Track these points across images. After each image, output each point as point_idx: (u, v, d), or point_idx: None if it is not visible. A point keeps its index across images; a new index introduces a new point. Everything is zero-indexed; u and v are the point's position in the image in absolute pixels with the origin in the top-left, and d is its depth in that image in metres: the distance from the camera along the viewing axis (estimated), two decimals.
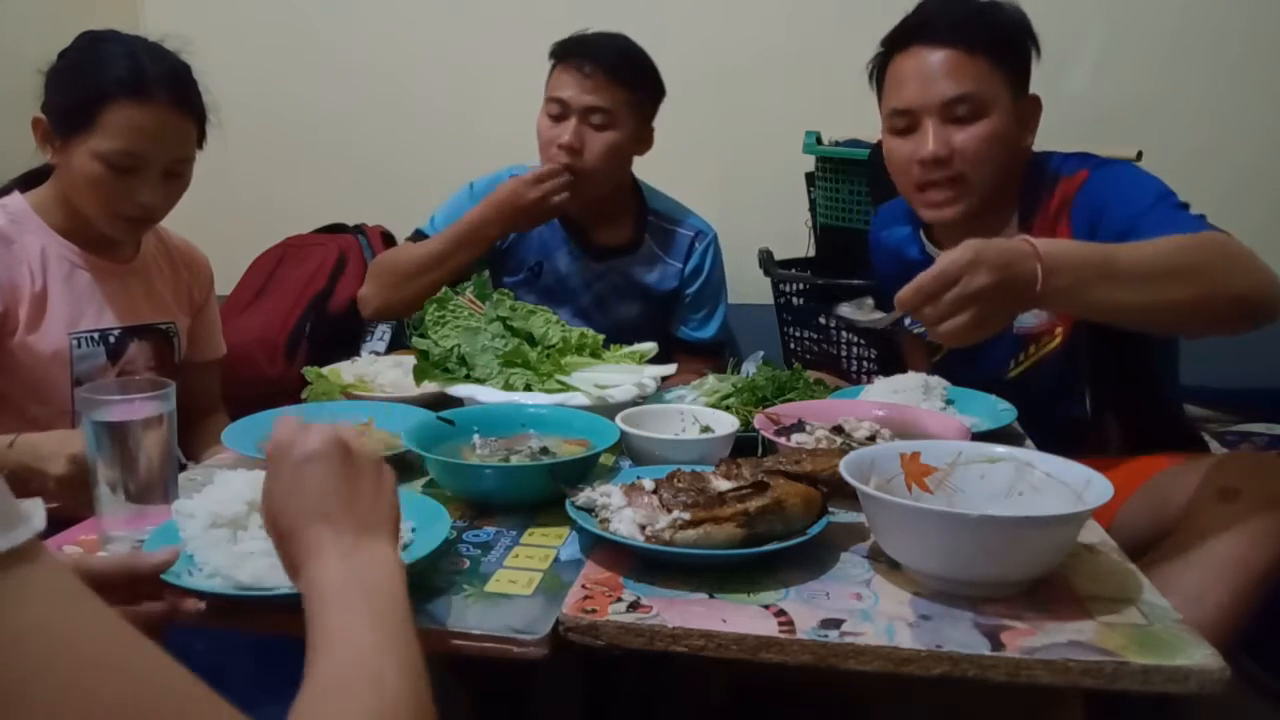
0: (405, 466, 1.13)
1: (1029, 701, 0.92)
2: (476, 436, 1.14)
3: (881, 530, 0.86)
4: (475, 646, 0.76)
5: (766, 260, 2.15)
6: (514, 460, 1.06)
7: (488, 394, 1.26)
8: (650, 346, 1.43)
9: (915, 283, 1.00)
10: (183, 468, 1.13)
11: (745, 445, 1.15)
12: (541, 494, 0.99)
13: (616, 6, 2.49)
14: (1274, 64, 2.28)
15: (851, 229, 2.04)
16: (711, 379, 1.43)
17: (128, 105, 1.33)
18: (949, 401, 1.36)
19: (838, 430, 1.14)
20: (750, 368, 1.57)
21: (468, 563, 0.88)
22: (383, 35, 2.67)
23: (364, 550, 0.64)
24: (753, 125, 2.49)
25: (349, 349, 2.20)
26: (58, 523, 0.98)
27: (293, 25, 2.72)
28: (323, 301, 2.35)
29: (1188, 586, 1.00)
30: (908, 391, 1.34)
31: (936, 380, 1.38)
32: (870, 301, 1.24)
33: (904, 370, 1.45)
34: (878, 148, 1.90)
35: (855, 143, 2.04)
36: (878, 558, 0.89)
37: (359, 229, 2.59)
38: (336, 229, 2.59)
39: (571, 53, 1.72)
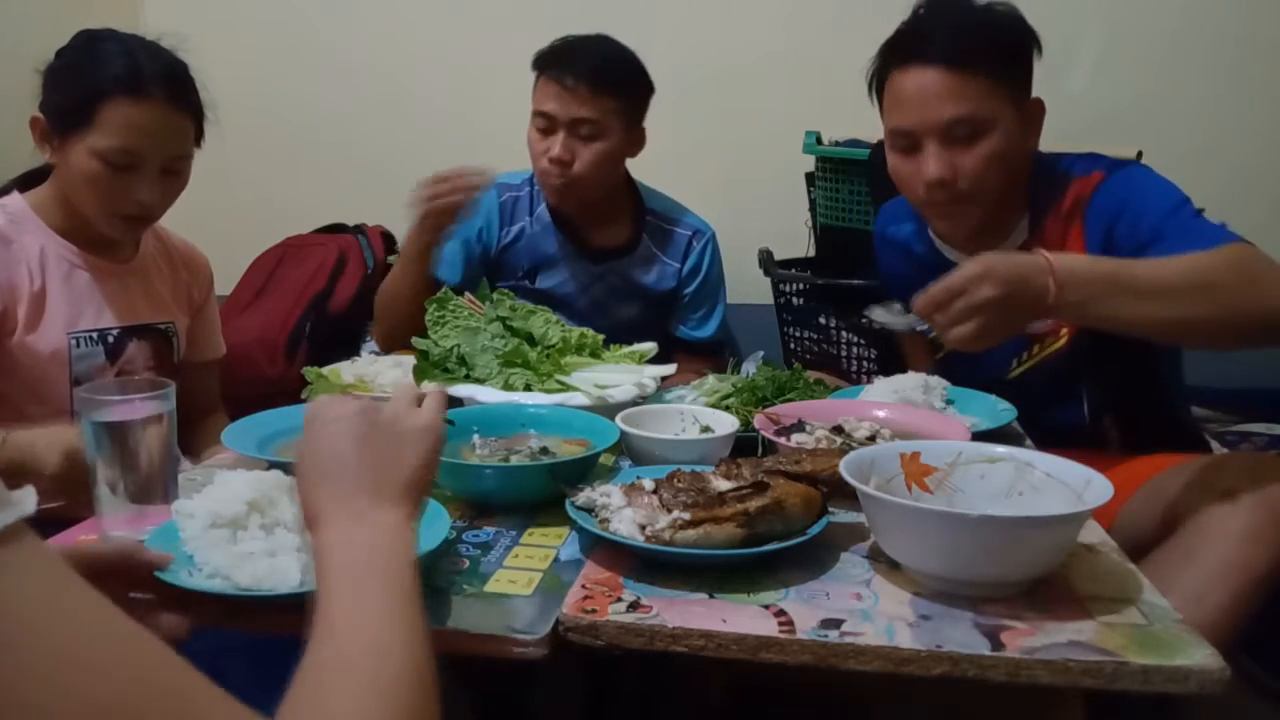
0: None
1: (1029, 701, 0.92)
2: (476, 436, 1.14)
3: (881, 530, 0.86)
4: (475, 646, 0.76)
5: (766, 260, 2.15)
6: (514, 460, 1.06)
7: (488, 394, 1.26)
8: (650, 346, 1.43)
9: (927, 293, 1.08)
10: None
11: (745, 445, 1.15)
12: (541, 494, 0.99)
13: (617, 7, 2.50)
14: (1273, 64, 2.28)
15: (851, 229, 2.04)
16: (711, 379, 1.43)
17: (125, 103, 1.33)
18: (949, 401, 1.36)
19: (838, 430, 1.14)
20: (750, 368, 1.57)
21: (468, 563, 0.88)
22: (383, 35, 2.67)
23: (377, 515, 0.64)
24: (753, 125, 2.49)
25: (349, 349, 2.20)
26: (58, 523, 0.98)
27: (293, 25, 2.72)
28: (323, 301, 2.35)
29: (1188, 587, 1.00)
30: (908, 391, 1.34)
31: (936, 380, 1.38)
32: (899, 305, 1.32)
33: (904, 370, 1.45)
34: (878, 147, 1.90)
35: (855, 143, 2.04)
36: (878, 558, 0.89)
37: (359, 229, 2.59)
38: (336, 229, 2.59)
39: (553, 65, 1.71)
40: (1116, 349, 1.36)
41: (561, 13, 2.30)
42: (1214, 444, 1.72)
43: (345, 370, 1.52)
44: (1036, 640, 0.74)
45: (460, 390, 1.28)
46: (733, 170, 2.51)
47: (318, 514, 0.65)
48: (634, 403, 1.27)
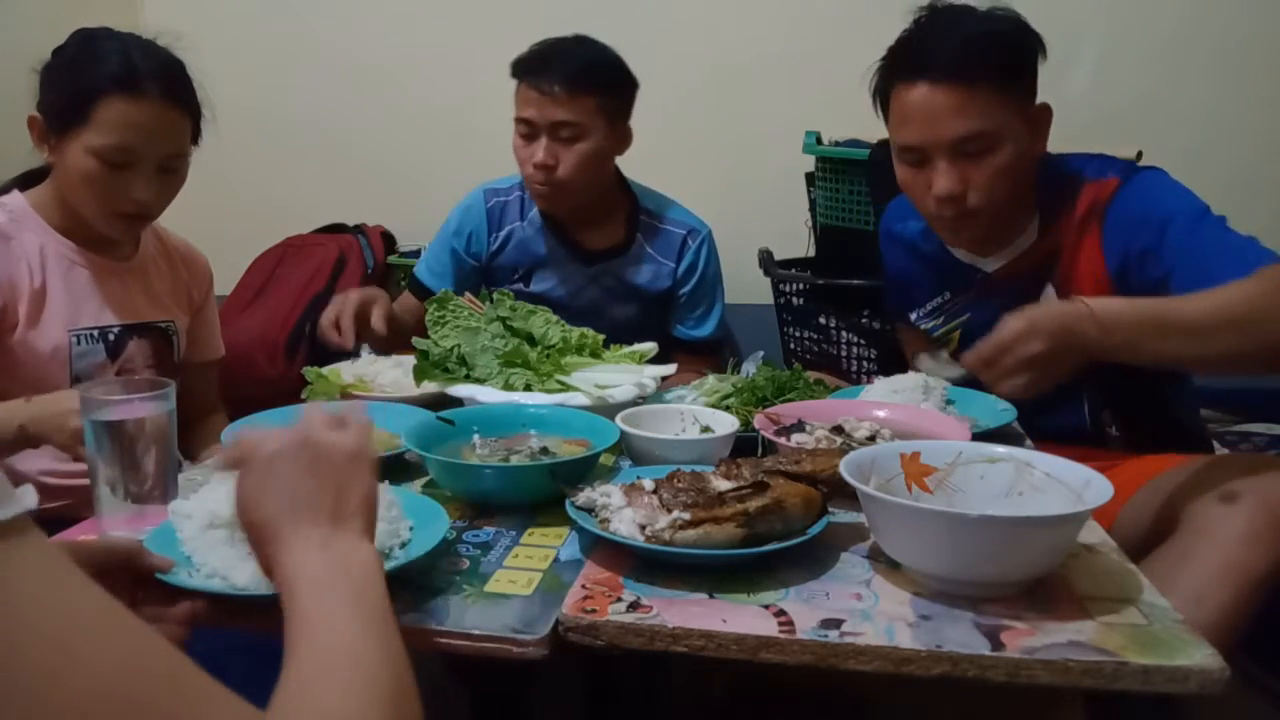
0: (405, 467, 1.13)
1: (1029, 701, 0.92)
2: (476, 436, 1.14)
3: (881, 530, 0.86)
4: (475, 646, 0.76)
5: (766, 260, 2.15)
6: (514, 460, 1.06)
7: (488, 394, 1.26)
8: (650, 346, 1.43)
9: (976, 350, 1.12)
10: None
11: (745, 445, 1.15)
12: (541, 494, 0.99)
13: (617, 8, 2.50)
14: (1273, 64, 2.28)
15: (851, 229, 2.04)
16: (711, 379, 1.43)
17: (120, 100, 1.33)
18: (949, 401, 1.36)
19: (838, 430, 1.14)
20: (750, 368, 1.57)
21: (468, 563, 0.88)
22: (383, 35, 2.67)
23: (339, 541, 0.64)
24: (753, 125, 2.49)
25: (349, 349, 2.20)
26: (58, 523, 0.98)
27: (292, 25, 2.72)
28: (323, 301, 2.35)
29: (1188, 588, 1.00)
30: (908, 391, 1.34)
31: (936, 380, 1.38)
32: (945, 354, 1.39)
33: (904, 370, 1.45)
34: (878, 147, 1.90)
35: (855, 143, 2.04)
36: (878, 558, 0.89)
37: (359, 229, 2.59)
38: (336, 229, 2.60)
39: (530, 70, 1.70)
40: None
41: (561, 13, 2.30)
42: (1215, 444, 1.71)
43: (345, 370, 1.52)
44: (1036, 640, 0.74)
45: (460, 390, 1.28)
46: (733, 170, 2.51)
47: (276, 556, 0.64)
48: (634, 403, 1.27)
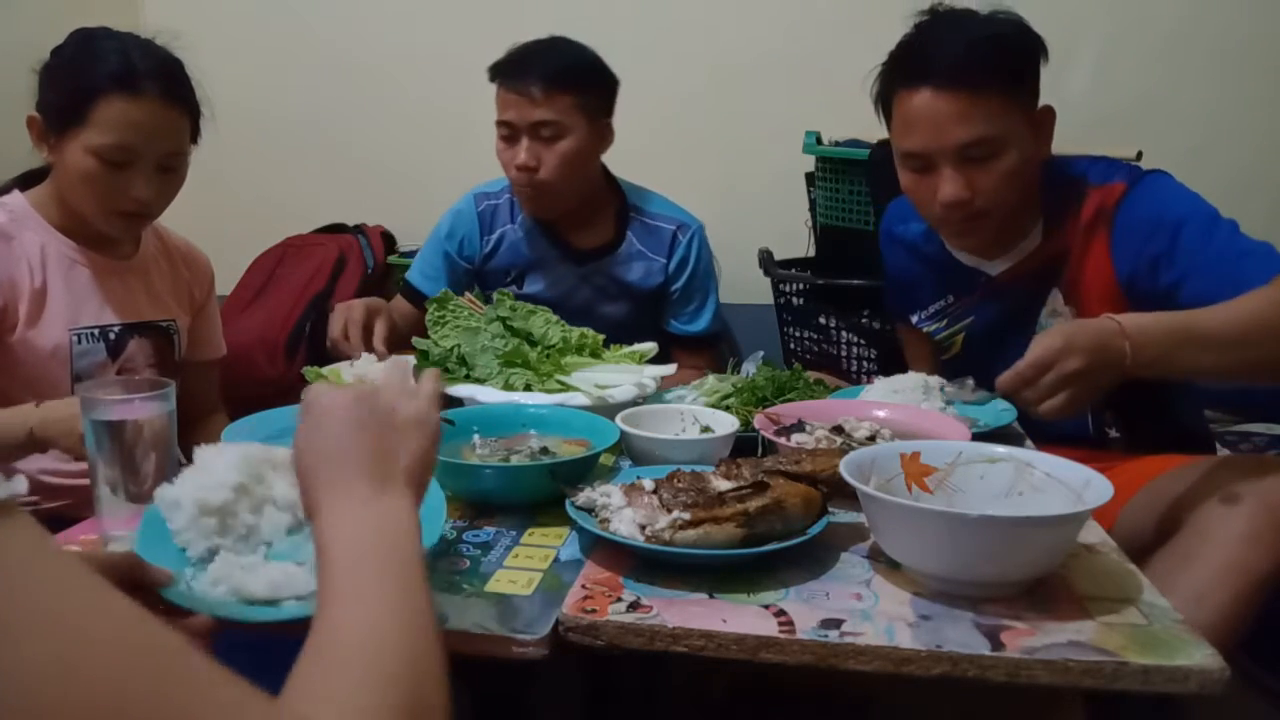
0: None
1: (1029, 701, 0.92)
2: (476, 436, 1.14)
3: (881, 530, 0.86)
4: (475, 647, 0.76)
5: (766, 260, 2.15)
6: (514, 460, 1.06)
7: (488, 394, 1.26)
8: (650, 346, 1.43)
9: (1014, 370, 1.10)
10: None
11: (745, 445, 1.15)
12: (541, 494, 0.99)
13: (617, 9, 2.50)
14: (1274, 64, 2.28)
15: (851, 229, 2.04)
16: (711, 379, 1.43)
17: (118, 99, 1.33)
18: (949, 402, 1.36)
19: (838, 430, 1.14)
20: (750, 368, 1.57)
21: (468, 563, 0.89)
22: (383, 35, 2.67)
23: (379, 502, 0.64)
24: (753, 125, 2.49)
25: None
26: (57, 523, 0.98)
27: (293, 25, 2.72)
28: (323, 301, 2.35)
29: (1188, 588, 1.00)
30: (908, 391, 1.34)
31: (936, 380, 1.38)
32: (970, 381, 1.36)
33: (904, 370, 1.45)
34: (878, 147, 1.90)
35: (855, 143, 2.04)
36: (878, 558, 0.89)
37: (359, 229, 2.59)
38: (336, 229, 2.59)
39: (507, 73, 1.71)
40: None
41: (561, 13, 2.30)
42: (1217, 445, 1.71)
43: (345, 370, 1.51)
44: (1036, 640, 0.74)
45: (460, 390, 1.28)
46: (733, 170, 2.51)
47: (318, 502, 0.64)
48: (634, 403, 1.27)
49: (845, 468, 0.88)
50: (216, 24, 2.64)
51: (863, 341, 2.02)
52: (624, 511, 0.89)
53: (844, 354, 2.04)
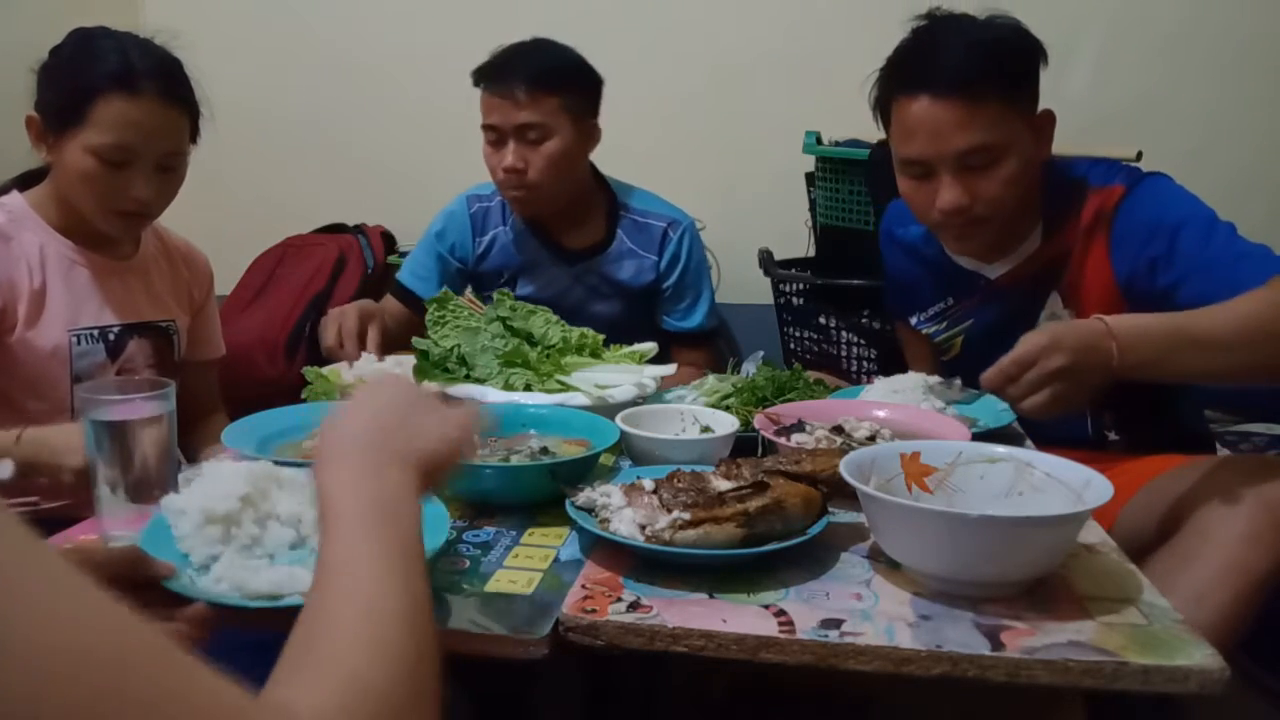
0: None
1: (1029, 701, 0.92)
2: (476, 436, 1.14)
3: (881, 530, 0.86)
4: (475, 646, 0.76)
5: (766, 260, 2.15)
6: (514, 460, 1.06)
7: (488, 394, 1.26)
8: (650, 346, 1.43)
9: (998, 366, 1.10)
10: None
11: (745, 445, 1.15)
12: (541, 494, 1.00)
13: (617, 9, 2.50)
14: (1273, 64, 2.28)
15: (851, 229, 2.04)
16: (711, 379, 1.43)
17: (117, 99, 1.33)
18: (948, 403, 1.36)
19: (838, 430, 1.14)
20: (750, 368, 1.57)
21: (468, 563, 0.88)
22: (383, 35, 2.67)
23: (387, 472, 0.63)
24: (753, 126, 2.49)
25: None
26: (57, 523, 0.98)
27: (293, 25, 2.72)
28: (323, 301, 2.35)
29: (1188, 588, 1.00)
30: (908, 391, 1.34)
31: (936, 380, 1.38)
32: (958, 381, 1.37)
33: (904, 370, 1.44)
34: (878, 147, 1.90)
35: (855, 143, 2.04)
36: (878, 558, 0.89)
37: (359, 229, 2.59)
38: (336, 229, 2.59)
39: (490, 76, 1.71)
40: None
41: (560, 13, 2.31)
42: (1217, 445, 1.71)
43: (345, 370, 1.51)
44: (1036, 640, 0.74)
45: (460, 390, 1.28)
46: (733, 170, 2.51)
47: (329, 455, 0.65)
48: (634, 403, 1.27)
49: (845, 468, 0.88)
50: (216, 24, 2.64)
51: (863, 341, 2.02)
52: (624, 511, 0.89)
53: (844, 354, 2.04)
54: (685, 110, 2.52)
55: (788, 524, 0.87)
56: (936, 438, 1.08)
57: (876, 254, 1.69)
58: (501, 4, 2.50)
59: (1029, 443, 1.26)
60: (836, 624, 0.77)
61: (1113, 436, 1.45)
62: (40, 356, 1.40)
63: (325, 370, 1.46)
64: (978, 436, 1.15)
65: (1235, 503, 1.06)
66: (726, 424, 1.17)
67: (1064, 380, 1.07)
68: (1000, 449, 0.96)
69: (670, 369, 1.38)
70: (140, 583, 0.75)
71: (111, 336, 1.48)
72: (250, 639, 0.79)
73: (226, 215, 2.52)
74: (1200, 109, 2.31)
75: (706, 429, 1.19)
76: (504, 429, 1.17)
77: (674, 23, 2.50)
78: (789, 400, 1.32)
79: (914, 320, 1.60)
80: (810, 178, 2.21)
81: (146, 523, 0.90)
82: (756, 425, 1.18)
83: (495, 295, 1.43)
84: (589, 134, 1.78)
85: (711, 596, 0.81)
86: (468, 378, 1.31)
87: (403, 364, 1.50)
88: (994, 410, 1.32)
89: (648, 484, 0.92)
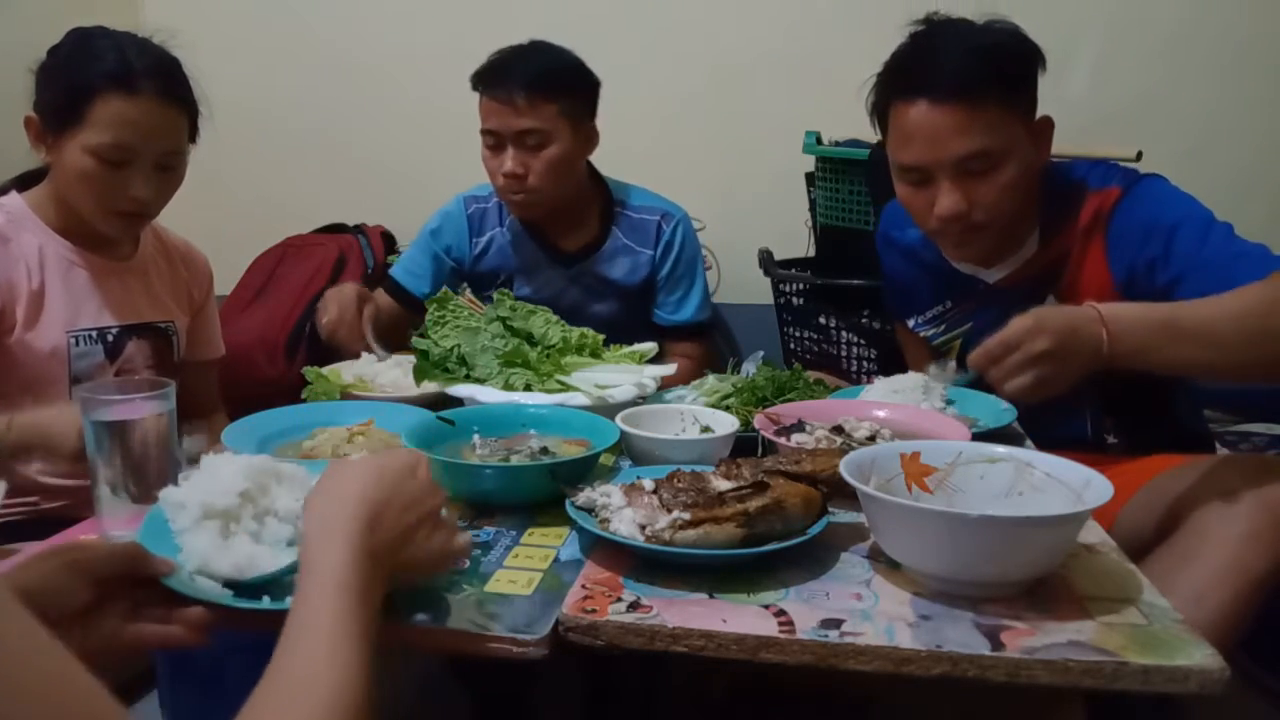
0: None
1: (1029, 701, 0.92)
2: (476, 436, 1.14)
3: (881, 530, 0.86)
4: (475, 646, 0.76)
5: (766, 260, 2.15)
6: (514, 460, 1.06)
7: (488, 394, 1.26)
8: (650, 346, 1.43)
9: (983, 347, 1.11)
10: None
11: (745, 445, 1.15)
12: (541, 494, 0.99)
13: (617, 9, 2.50)
14: (1273, 64, 2.28)
15: (851, 229, 2.04)
16: (711, 379, 1.43)
17: (115, 98, 1.33)
18: (949, 401, 1.36)
19: (838, 430, 1.14)
20: (750, 368, 1.57)
21: (468, 563, 0.88)
22: (383, 35, 2.67)
23: (364, 565, 0.67)
24: (753, 125, 2.49)
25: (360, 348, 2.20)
26: (58, 523, 0.98)
27: (293, 25, 2.72)
28: None
29: (1188, 588, 1.00)
30: (908, 391, 1.34)
31: (936, 381, 1.38)
32: (952, 363, 1.37)
33: (904, 370, 1.44)
34: (877, 147, 1.90)
35: (855, 143, 2.04)
36: (878, 558, 0.89)
37: (359, 229, 2.59)
38: (336, 229, 2.59)
39: (488, 81, 1.71)
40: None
41: (560, 14, 2.31)
42: (1216, 445, 1.71)
43: (345, 370, 1.52)
44: (1036, 640, 0.74)
45: (460, 390, 1.28)
46: (733, 170, 2.51)
47: (328, 519, 0.69)
48: (634, 403, 1.27)
49: (845, 468, 0.88)
50: (216, 24, 2.64)
51: (863, 341, 2.02)
52: (624, 511, 0.89)
53: (844, 354, 2.04)
54: (685, 110, 2.52)
55: (788, 524, 0.87)
56: (936, 438, 1.08)
57: (876, 254, 1.69)
58: (501, 4, 2.50)
59: (1029, 443, 1.26)
60: (836, 624, 0.76)
61: (1111, 439, 1.45)
62: (39, 358, 1.40)
63: (325, 370, 1.46)
64: (978, 436, 1.15)
65: (1234, 502, 1.06)
66: (726, 424, 1.17)
67: (1048, 364, 1.07)
68: (1000, 449, 0.96)
69: (670, 369, 1.38)
70: (139, 579, 0.75)
71: (110, 337, 1.48)
72: (248, 641, 0.79)
73: (226, 215, 2.52)
74: (1200, 109, 2.31)
75: (706, 429, 1.19)
76: (504, 429, 1.17)
77: (674, 23, 2.50)
78: (789, 400, 1.32)
79: (912, 323, 1.60)
80: (810, 178, 2.21)
81: None
82: (756, 425, 1.18)
83: (495, 295, 1.43)
84: (588, 137, 1.78)
85: (711, 596, 0.81)
86: (468, 378, 1.31)
87: (402, 364, 1.50)
88: (994, 410, 1.32)
89: (648, 484, 0.92)
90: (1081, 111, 2.10)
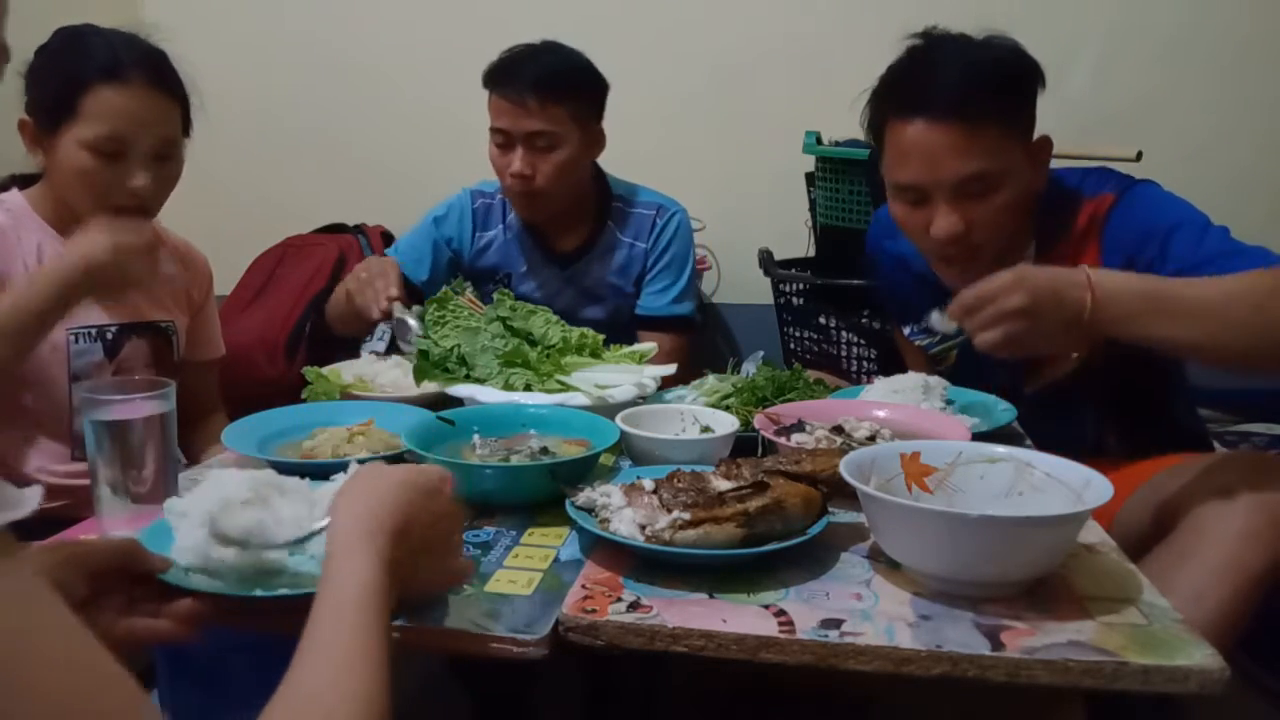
0: None
1: (1029, 701, 0.92)
2: (476, 436, 1.14)
3: (881, 530, 0.86)
4: (475, 646, 0.76)
5: (766, 260, 2.15)
6: (514, 460, 1.06)
7: (488, 394, 1.26)
8: (650, 346, 1.43)
9: (960, 298, 1.10)
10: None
11: (745, 445, 1.15)
12: (541, 494, 0.99)
13: (617, 8, 2.50)
14: (1274, 64, 2.28)
15: (851, 229, 2.04)
16: (711, 379, 1.43)
17: (106, 89, 1.33)
18: (949, 401, 1.36)
19: (838, 430, 1.14)
20: (750, 368, 1.57)
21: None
22: (383, 35, 2.67)
23: (382, 579, 0.66)
24: (753, 125, 2.49)
25: (349, 349, 2.20)
26: (58, 523, 0.98)
27: (293, 25, 2.72)
28: (323, 301, 2.34)
29: (1187, 586, 1.00)
30: (908, 391, 1.34)
31: (936, 380, 1.38)
32: (941, 313, 1.30)
33: (904, 370, 1.44)
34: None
35: (855, 143, 2.04)
36: (878, 558, 0.89)
37: (359, 229, 2.59)
38: (336, 229, 2.59)
39: (500, 81, 1.70)
40: (1122, 374, 1.35)
41: (560, 13, 2.31)
42: (1215, 444, 1.71)
43: (345, 370, 1.52)
44: (1036, 640, 0.74)
45: (460, 390, 1.28)
46: (733, 170, 2.51)
47: (355, 528, 0.68)
48: (634, 403, 1.27)
49: (845, 468, 0.88)
50: (216, 24, 2.64)
51: (863, 341, 2.02)
52: (624, 511, 0.89)
53: (844, 354, 2.04)
54: (686, 110, 2.52)
55: (788, 524, 0.87)
56: (936, 438, 1.08)
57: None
58: (501, 4, 2.50)
59: (1029, 442, 1.26)
60: (836, 624, 0.76)
61: (1111, 442, 1.45)
62: (39, 354, 1.40)
63: (325, 370, 1.46)
64: (978, 436, 1.15)
65: (1232, 500, 1.06)
66: (726, 424, 1.17)
67: (1020, 320, 1.06)
68: (1000, 449, 0.96)
69: (671, 369, 1.38)
70: (135, 576, 0.76)
71: (109, 336, 1.48)
72: (247, 640, 0.80)
73: (226, 215, 2.52)
74: (1200, 110, 2.31)
75: (706, 429, 1.19)
76: (504, 429, 1.17)
77: (674, 23, 2.50)
78: (789, 400, 1.32)
79: (907, 331, 1.59)
80: (810, 178, 2.21)
81: (146, 522, 0.91)
82: (756, 425, 1.18)
83: (495, 295, 1.43)
84: (596, 139, 1.78)
85: (711, 596, 0.81)
86: (468, 378, 1.31)
87: (402, 364, 1.50)
88: (994, 410, 1.32)
89: (648, 484, 0.92)
90: (1082, 112, 2.11)
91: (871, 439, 1.11)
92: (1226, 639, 0.98)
